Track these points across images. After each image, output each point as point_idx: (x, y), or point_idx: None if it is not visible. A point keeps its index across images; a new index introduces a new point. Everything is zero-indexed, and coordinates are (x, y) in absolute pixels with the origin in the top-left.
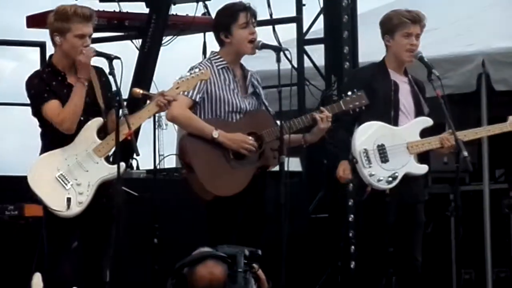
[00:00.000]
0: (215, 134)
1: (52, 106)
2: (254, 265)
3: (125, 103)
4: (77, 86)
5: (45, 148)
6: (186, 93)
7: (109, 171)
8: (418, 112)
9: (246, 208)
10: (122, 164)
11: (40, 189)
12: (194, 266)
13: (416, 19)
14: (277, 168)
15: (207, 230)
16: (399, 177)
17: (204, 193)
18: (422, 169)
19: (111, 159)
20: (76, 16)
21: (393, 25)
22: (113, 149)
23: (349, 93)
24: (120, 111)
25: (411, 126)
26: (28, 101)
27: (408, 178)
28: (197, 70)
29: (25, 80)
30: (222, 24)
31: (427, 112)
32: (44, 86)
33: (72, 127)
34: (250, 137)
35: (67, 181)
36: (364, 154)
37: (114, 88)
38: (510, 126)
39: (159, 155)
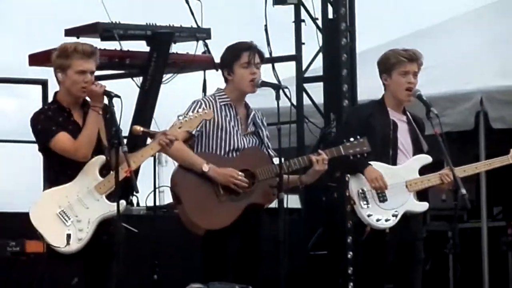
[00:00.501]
0: (206, 168)
1: (62, 138)
2: None
3: (125, 140)
4: (91, 114)
5: (48, 184)
6: (179, 119)
7: (110, 208)
8: (417, 150)
9: (240, 244)
10: (122, 202)
11: (41, 225)
12: None
13: (413, 58)
14: (275, 204)
15: (204, 263)
16: (399, 216)
17: (193, 226)
18: (422, 206)
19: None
20: (76, 53)
21: (390, 64)
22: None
23: (351, 139)
24: (120, 148)
25: (410, 164)
26: (33, 138)
27: (407, 216)
28: (200, 109)
29: (29, 117)
30: (225, 61)
31: (426, 150)
32: (51, 121)
33: (87, 154)
34: (241, 173)
35: (67, 218)
36: (361, 195)
37: (114, 126)
38: (511, 158)
39: (159, 192)
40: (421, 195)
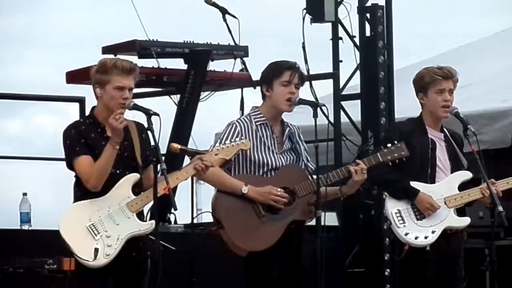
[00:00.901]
0: (245, 190)
1: (83, 162)
2: None
3: (163, 158)
4: (107, 148)
5: (78, 198)
6: (216, 147)
7: (140, 227)
8: (455, 167)
9: (283, 262)
10: (152, 222)
11: (70, 237)
12: None
13: (448, 75)
14: (313, 222)
15: (246, 285)
16: (438, 233)
17: (236, 248)
18: (463, 221)
19: (146, 216)
20: (115, 69)
21: (425, 82)
22: (146, 205)
23: (389, 145)
24: (158, 166)
25: (449, 181)
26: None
27: (447, 233)
28: (237, 139)
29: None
30: (266, 77)
31: (466, 165)
32: (79, 138)
33: (97, 186)
34: (279, 189)
35: (97, 232)
36: (397, 215)
37: (152, 143)
38: None
39: (197, 210)
40: (459, 213)
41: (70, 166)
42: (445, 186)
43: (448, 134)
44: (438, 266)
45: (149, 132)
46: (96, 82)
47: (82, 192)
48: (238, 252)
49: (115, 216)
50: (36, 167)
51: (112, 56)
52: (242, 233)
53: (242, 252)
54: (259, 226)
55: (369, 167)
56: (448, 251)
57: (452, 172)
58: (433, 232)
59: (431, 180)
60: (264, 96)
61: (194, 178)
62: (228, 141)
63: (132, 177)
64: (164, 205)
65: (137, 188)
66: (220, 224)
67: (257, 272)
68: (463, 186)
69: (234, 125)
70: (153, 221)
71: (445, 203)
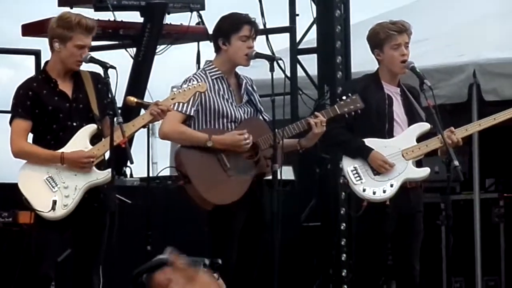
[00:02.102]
0: (209, 143)
1: (16, 124)
2: (214, 274)
3: (119, 111)
4: (47, 155)
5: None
6: (179, 108)
7: (97, 176)
8: (412, 121)
9: (246, 215)
10: (109, 170)
11: (28, 190)
12: (152, 273)
13: (402, 29)
14: (270, 176)
15: (211, 238)
16: (396, 186)
17: (203, 202)
18: (422, 172)
19: (104, 165)
20: (79, 27)
21: (380, 39)
22: (104, 155)
23: (344, 97)
24: (115, 119)
25: (406, 134)
26: None
27: (407, 188)
28: (194, 82)
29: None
30: (223, 30)
31: (424, 117)
32: (26, 99)
33: (14, 157)
34: (244, 131)
35: (55, 184)
36: (353, 172)
37: (109, 96)
38: None
39: (153, 163)
40: (419, 166)
41: (10, 123)
42: (403, 139)
43: (405, 89)
44: (398, 221)
45: (105, 86)
46: (56, 36)
47: (41, 145)
48: (205, 205)
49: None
50: None
51: (68, 8)
52: (209, 187)
53: (208, 205)
54: (226, 180)
55: (327, 119)
56: (408, 206)
57: (409, 126)
58: (391, 185)
59: (389, 135)
60: (218, 49)
61: (150, 131)
62: (185, 85)
63: (89, 128)
64: (120, 159)
65: (95, 139)
66: (187, 178)
67: (223, 225)
68: (422, 138)
69: (191, 79)
70: (109, 170)
71: (402, 156)
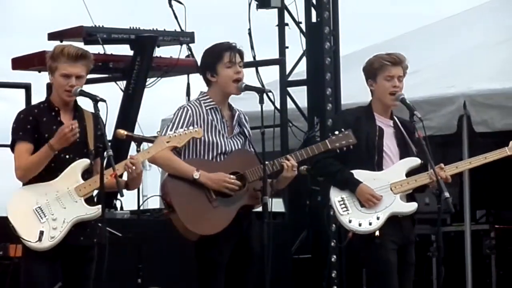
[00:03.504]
0: (196, 175)
1: (20, 148)
2: None
3: (109, 144)
4: (45, 148)
5: (28, 182)
6: (169, 134)
7: (86, 211)
8: (404, 154)
9: (233, 247)
10: (99, 207)
11: (15, 219)
12: None
13: (397, 61)
14: (260, 208)
15: (196, 269)
16: (382, 218)
17: (188, 233)
18: (410, 207)
19: (94, 200)
20: (62, 56)
21: (374, 69)
22: (94, 191)
23: (336, 132)
24: (105, 152)
25: (395, 167)
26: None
27: (398, 219)
28: (191, 127)
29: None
30: (208, 63)
31: (416, 152)
32: (27, 124)
33: (22, 178)
34: (232, 176)
35: (43, 215)
36: (340, 203)
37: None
38: (510, 151)
39: (143, 196)
40: (409, 199)
41: (12, 149)
42: (392, 173)
43: (398, 122)
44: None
45: (95, 119)
46: (48, 68)
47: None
48: (189, 236)
49: (62, 200)
50: None
51: (58, 42)
52: (193, 217)
53: (193, 236)
54: (210, 211)
55: (314, 155)
56: (400, 237)
57: (401, 158)
58: (377, 218)
59: (378, 167)
60: (209, 83)
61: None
62: (181, 128)
63: (82, 162)
64: (110, 191)
65: (86, 174)
66: (171, 208)
67: (208, 256)
68: (412, 173)
69: (185, 108)
70: (99, 206)
71: (391, 189)
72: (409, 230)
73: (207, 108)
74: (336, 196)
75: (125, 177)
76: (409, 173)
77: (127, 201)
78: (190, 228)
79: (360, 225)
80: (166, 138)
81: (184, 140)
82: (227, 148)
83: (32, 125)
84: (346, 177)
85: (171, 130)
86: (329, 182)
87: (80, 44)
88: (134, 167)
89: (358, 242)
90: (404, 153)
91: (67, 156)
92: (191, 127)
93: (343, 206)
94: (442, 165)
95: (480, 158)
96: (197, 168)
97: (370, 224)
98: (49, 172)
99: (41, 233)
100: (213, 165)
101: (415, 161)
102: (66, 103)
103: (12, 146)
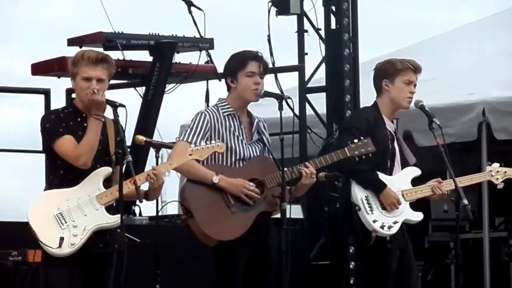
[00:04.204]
0: (215, 179)
1: (67, 141)
2: None
3: (128, 150)
4: (92, 122)
5: (50, 186)
6: (190, 139)
7: (107, 220)
8: (404, 159)
9: (251, 253)
10: (118, 216)
11: (36, 223)
12: None
13: (418, 69)
14: (279, 215)
15: (215, 275)
16: (399, 224)
17: (206, 238)
18: (419, 216)
19: (115, 209)
20: (82, 60)
21: (395, 69)
22: (114, 200)
23: (355, 140)
24: (124, 158)
25: (403, 175)
26: (37, 148)
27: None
28: (213, 142)
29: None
30: (230, 68)
31: (414, 162)
32: (60, 122)
33: (88, 162)
34: (252, 183)
35: (64, 221)
36: (365, 201)
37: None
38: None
39: (162, 202)
40: (422, 205)
41: (49, 150)
42: (400, 180)
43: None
44: (399, 257)
45: (115, 125)
46: (70, 74)
47: (55, 181)
48: (207, 242)
49: (83, 207)
50: (1, 160)
51: (77, 48)
52: (211, 222)
53: (211, 242)
54: (229, 216)
55: (333, 163)
56: (403, 241)
57: (402, 165)
58: (395, 222)
59: (390, 172)
60: (229, 88)
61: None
62: (203, 143)
63: (104, 170)
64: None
65: (107, 182)
66: (190, 213)
67: (226, 261)
68: (413, 182)
69: (203, 114)
70: (119, 215)
71: (402, 196)
72: (406, 234)
73: (224, 114)
74: (361, 194)
75: (143, 186)
76: (411, 182)
77: (146, 207)
78: (208, 233)
79: (382, 227)
80: (188, 151)
81: (206, 154)
82: (246, 154)
83: (63, 125)
84: (374, 178)
85: (188, 135)
86: (354, 179)
87: (100, 50)
88: (156, 178)
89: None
90: (404, 158)
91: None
92: (213, 141)
93: (368, 205)
94: (439, 179)
95: (467, 178)
96: (217, 173)
97: (389, 228)
98: (71, 178)
99: (62, 239)
100: (232, 171)
101: (417, 171)
102: (88, 110)
103: (50, 146)
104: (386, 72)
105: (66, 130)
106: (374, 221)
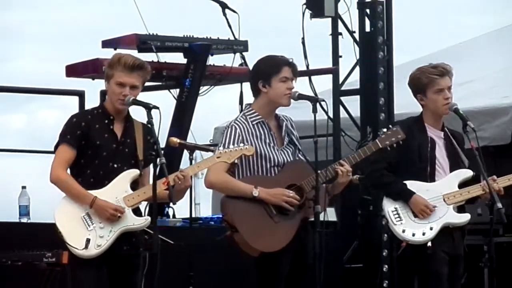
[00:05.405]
0: (255, 192)
1: (63, 150)
2: None
3: (162, 152)
4: (84, 196)
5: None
6: (219, 150)
7: (134, 222)
8: (454, 166)
9: (291, 259)
10: (147, 218)
11: (63, 225)
12: None
13: (444, 72)
14: (313, 218)
15: (257, 285)
16: (436, 229)
17: (251, 250)
18: (463, 217)
19: (144, 212)
20: (119, 64)
21: (422, 84)
22: (142, 202)
23: (384, 129)
24: (158, 159)
25: (448, 179)
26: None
27: (449, 230)
28: (242, 145)
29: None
30: (263, 73)
31: (467, 164)
32: (77, 129)
33: (51, 182)
34: (291, 191)
35: (91, 222)
36: (394, 213)
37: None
38: None
39: (195, 204)
40: (460, 210)
41: (55, 149)
42: (445, 184)
43: (449, 133)
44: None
45: (149, 126)
46: (105, 75)
47: (84, 182)
48: (251, 252)
49: None
50: (35, 161)
51: (112, 50)
52: (256, 234)
53: (255, 252)
54: (273, 227)
55: (366, 156)
56: (452, 246)
57: (451, 170)
58: (431, 228)
59: (431, 178)
60: (258, 92)
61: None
62: (231, 145)
63: (132, 172)
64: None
65: (134, 185)
66: (234, 228)
67: (270, 271)
68: (464, 184)
69: (234, 127)
70: (148, 217)
71: (444, 200)
72: (459, 242)
73: (253, 122)
74: (389, 206)
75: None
76: (461, 185)
77: (179, 209)
78: (254, 246)
79: (413, 235)
80: (217, 154)
81: (234, 157)
82: (280, 160)
83: (82, 131)
84: (400, 188)
85: (222, 148)
86: (382, 192)
87: (134, 52)
88: (183, 179)
89: (410, 252)
90: (455, 164)
91: (115, 166)
92: (241, 144)
93: (396, 216)
94: (494, 177)
95: (504, 179)
96: (255, 185)
97: (423, 234)
98: (97, 180)
99: (88, 240)
100: (270, 180)
101: (467, 173)
102: (119, 111)
103: (56, 146)
104: (416, 87)
105: (75, 139)
106: (403, 231)
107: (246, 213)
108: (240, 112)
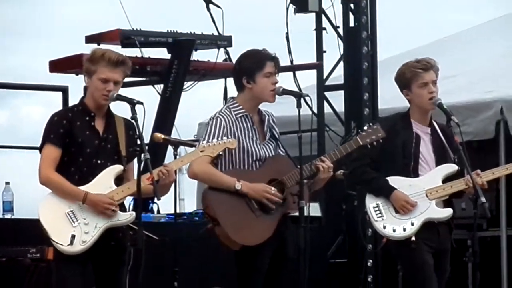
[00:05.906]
0: (238, 186)
1: (48, 151)
2: None
3: (146, 147)
4: (75, 193)
5: None
6: (202, 144)
7: (119, 217)
8: (440, 160)
9: (272, 253)
10: (132, 213)
11: (47, 222)
12: None
13: (428, 67)
14: (297, 213)
15: (237, 275)
16: (417, 224)
17: (231, 243)
18: (445, 212)
19: (128, 207)
20: (102, 60)
21: (407, 78)
22: (126, 197)
23: (365, 127)
24: (142, 155)
25: (432, 174)
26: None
27: (434, 225)
28: (225, 138)
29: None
30: (246, 69)
31: (454, 159)
32: (59, 127)
33: (42, 184)
34: (273, 188)
35: (75, 219)
36: (375, 209)
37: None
38: None
39: (180, 200)
40: (447, 205)
41: (40, 150)
42: (428, 179)
43: (437, 128)
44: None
45: (133, 121)
46: (84, 70)
47: (69, 179)
48: (232, 245)
49: None
50: (18, 156)
51: (95, 45)
52: (238, 229)
53: (235, 246)
54: (254, 221)
55: (347, 153)
56: (437, 240)
57: (437, 165)
58: (412, 224)
59: (414, 173)
60: (242, 88)
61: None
62: (215, 139)
63: (116, 168)
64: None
65: (118, 181)
66: (216, 221)
67: (250, 264)
68: (449, 179)
69: (218, 119)
70: (133, 212)
71: (426, 195)
72: (446, 236)
73: (237, 116)
74: (371, 203)
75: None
76: (446, 179)
77: (164, 205)
78: (236, 240)
79: (394, 231)
80: (200, 148)
81: (218, 150)
82: (261, 154)
83: (65, 129)
84: (380, 184)
85: (206, 141)
86: (364, 189)
87: (117, 47)
88: (167, 174)
89: (394, 248)
90: (441, 159)
91: (99, 162)
92: (225, 138)
93: (377, 212)
94: (478, 171)
95: (487, 173)
96: (237, 178)
97: (404, 230)
98: (82, 177)
99: (73, 237)
100: (251, 174)
101: (451, 168)
102: (100, 107)
103: (41, 147)
104: (402, 83)
105: (59, 137)
106: (384, 227)
107: (227, 206)
108: (224, 105)
